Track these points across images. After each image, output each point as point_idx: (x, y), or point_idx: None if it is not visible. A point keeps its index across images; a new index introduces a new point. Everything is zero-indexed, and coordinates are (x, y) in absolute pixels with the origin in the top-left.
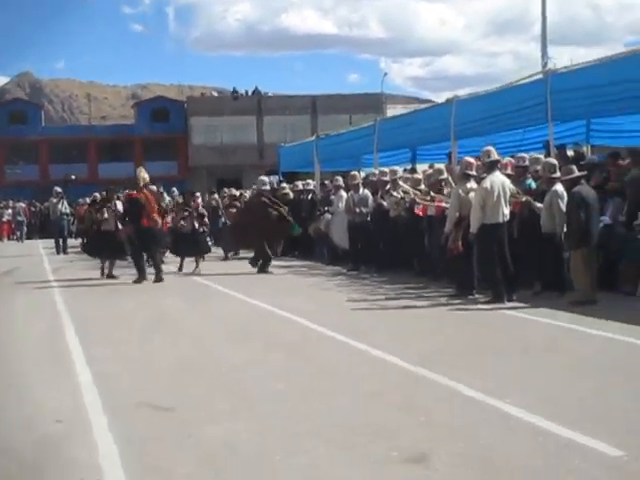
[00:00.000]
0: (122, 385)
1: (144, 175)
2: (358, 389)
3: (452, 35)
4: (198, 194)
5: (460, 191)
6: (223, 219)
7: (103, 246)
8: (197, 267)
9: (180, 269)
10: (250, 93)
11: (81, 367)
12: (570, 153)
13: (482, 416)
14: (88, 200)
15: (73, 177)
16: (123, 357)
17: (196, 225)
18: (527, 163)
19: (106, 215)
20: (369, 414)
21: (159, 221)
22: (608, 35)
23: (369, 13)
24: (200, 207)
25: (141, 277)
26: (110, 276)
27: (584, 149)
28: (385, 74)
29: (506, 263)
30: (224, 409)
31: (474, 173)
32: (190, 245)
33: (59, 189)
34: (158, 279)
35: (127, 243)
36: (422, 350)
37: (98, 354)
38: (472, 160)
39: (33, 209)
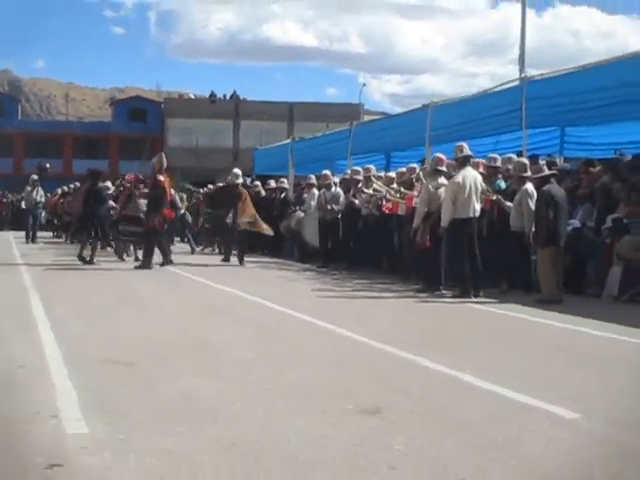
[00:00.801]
0: (85, 344)
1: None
2: (321, 359)
3: (432, 54)
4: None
5: (430, 186)
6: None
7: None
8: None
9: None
10: (228, 97)
11: (45, 330)
12: (542, 162)
13: (441, 383)
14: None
15: (48, 165)
16: (88, 324)
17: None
18: (499, 164)
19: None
20: (330, 378)
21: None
22: (587, 60)
23: (350, 28)
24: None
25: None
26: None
27: (557, 160)
28: (364, 85)
29: (475, 259)
30: (186, 367)
31: (444, 169)
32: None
33: (35, 177)
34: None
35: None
36: (386, 331)
37: (63, 321)
38: (443, 156)
39: (5, 200)
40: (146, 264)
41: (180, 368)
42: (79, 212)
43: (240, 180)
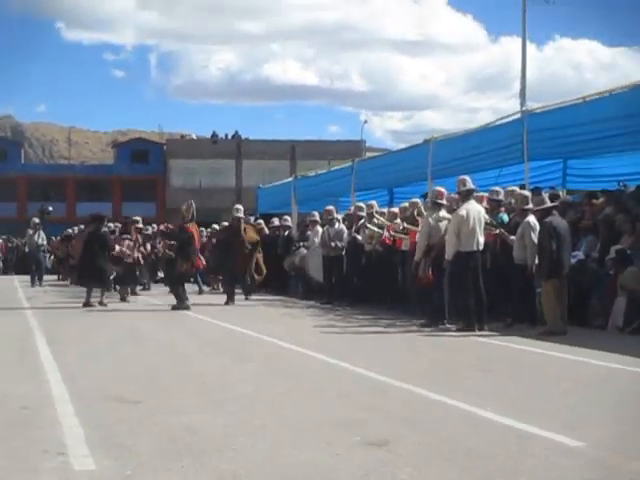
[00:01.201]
0: (90, 383)
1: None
2: (325, 392)
3: (432, 90)
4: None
5: (430, 219)
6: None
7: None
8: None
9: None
10: (230, 137)
11: (51, 370)
12: (545, 195)
13: (446, 415)
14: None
15: (50, 209)
16: (93, 363)
17: (136, 255)
18: (501, 197)
19: (125, 247)
20: (335, 411)
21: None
22: (587, 93)
23: (351, 66)
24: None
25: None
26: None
27: (560, 193)
28: (365, 122)
29: (479, 292)
30: (190, 404)
31: (444, 202)
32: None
33: (37, 220)
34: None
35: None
36: (390, 365)
37: (69, 360)
38: (442, 189)
39: (10, 245)
40: (181, 304)
41: (184, 404)
42: (79, 256)
43: (240, 214)
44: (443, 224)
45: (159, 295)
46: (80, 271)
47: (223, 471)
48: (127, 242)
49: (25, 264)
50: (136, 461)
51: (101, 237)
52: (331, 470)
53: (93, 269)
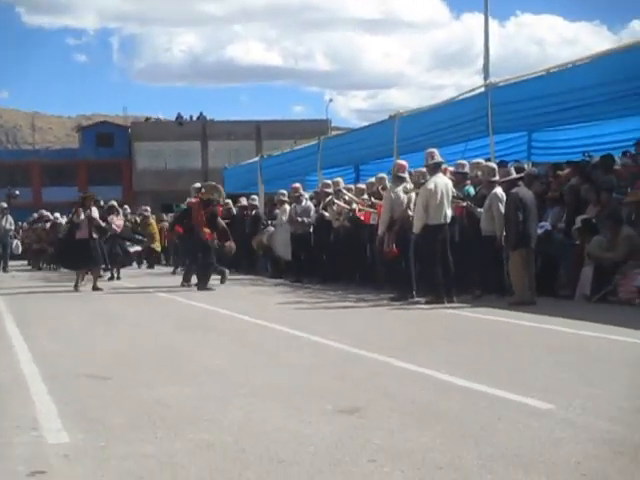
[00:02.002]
0: (61, 361)
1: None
2: (295, 363)
3: (397, 68)
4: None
5: (392, 193)
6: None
7: (78, 256)
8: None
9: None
10: (195, 119)
11: (21, 350)
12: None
13: (416, 382)
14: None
15: (17, 192)
16: (63, 342)
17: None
18: (467, 170)
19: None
20: (306, 381)
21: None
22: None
23: (314, 46)
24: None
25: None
26: (95, 288)
27: (525, 166)
28: (330, 100)
29: (447, 265)
30: (161, 378)
31: (406, 175)
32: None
33: (4, 204)
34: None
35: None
36: (359, 336)
37: (39, 340)
38: (404, 163)
39: None
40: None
41: (155, 378)
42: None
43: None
44: (404, 197)
45: (128, 278)
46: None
47: (198, 441)
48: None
49: None
50: (109, 433)
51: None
52: (304, 436)
53: (80, 250)
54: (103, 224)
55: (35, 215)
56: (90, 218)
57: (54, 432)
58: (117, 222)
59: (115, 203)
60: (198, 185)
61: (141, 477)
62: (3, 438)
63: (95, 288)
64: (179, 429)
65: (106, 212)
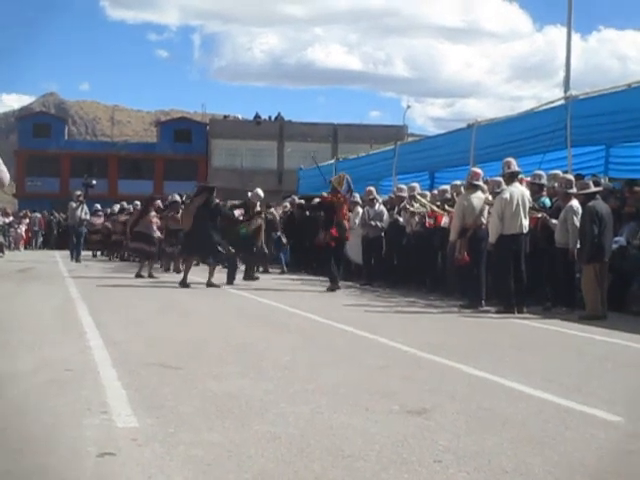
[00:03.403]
0: (132, 349)
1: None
2: (363, 363)
3: (476, 78)
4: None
5: (465, 201)
6: None
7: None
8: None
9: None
10: (273, 119)
11: (93, 336)
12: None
13: (484, 388)
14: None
15: (94, 182)
16: (134, 330)
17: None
18: (544, 181)
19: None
20: (373, 381)
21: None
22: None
23: (394, 51)
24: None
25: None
26: (210, 284)
27: (602, 181)
28: (408, 106)
29: (521, 275)
30: (231, 370)
31: (480, 183)
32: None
33: (79, 192)
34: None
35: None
36: (428, 341)
37: (110, 328)
38: (479, 170)
39: (52, 218)
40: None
41: (225, 371)
42: (190, 227)
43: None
44: (477, 205)
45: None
46: (188, 242)
47: (264, 433)
48: (154, 219)
49: (65, 240)
50: (178, 420)
51: (214, 209)
52: (370, 434)
53: (203, 241)
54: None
55: (116, 207)
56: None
57: (123, 416)
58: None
59: (178, 198)
60: (261, 193)
61: (208, 464)
62: (74, 420)
63: (210, 284)
64: (246, 420)
65: (168, 208)
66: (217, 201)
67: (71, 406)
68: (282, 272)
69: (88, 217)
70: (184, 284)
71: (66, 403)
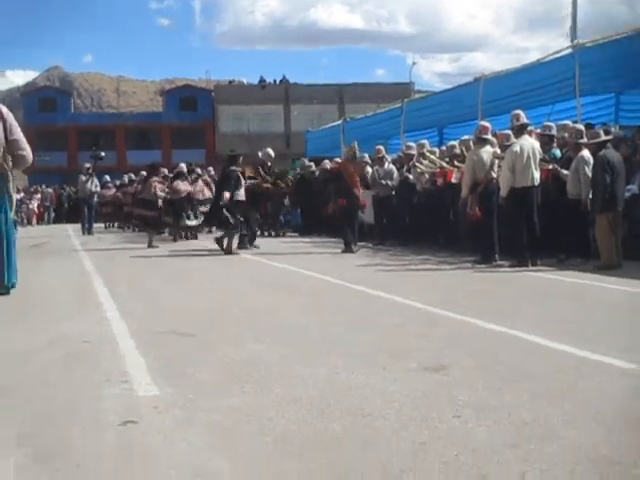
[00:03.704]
0: (148, 319)
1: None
2: (378, 323)
3: (481, 30)
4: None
5: (474, 155)
6: None
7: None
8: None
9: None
10: (278, 82)
11: (110, 308)
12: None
13: (501, 342)
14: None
15: (102, 154)
16: (149, 300)
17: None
18: (554, 132)
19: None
20: (389, 340)
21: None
22: None
23: (397, 8)
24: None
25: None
26: (229, 251)
27: (613, 129)
28: (414, 63)
29: (534, 228)
30: (247, 336)
31: (489, 137)
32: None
33: (88, 165)
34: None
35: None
36: (443, 298)
37: (126, 299)
38: (487, 124)
39: (62, 191)
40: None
41: (240, 336)
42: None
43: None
44: (488, 159)
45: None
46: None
47: (284, 395)
48: (157, 184)
49: (76, 213)
50: (197, 387)
51: (229, 176)
52: (389, 393)
53: (217, 210)
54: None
55: (125, 178)
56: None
57: (144, 385)
58: (182, 187)
59: (184, 168)
60: (272, 152)
61: (228, 428)
62: (95, 390)
63: (229, 252)
64: (265, 384)
65: (173, 178)
66: (232, 168)
67: (91, 377)
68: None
69: (98, 189)
70: (228, 252)
71: (85, 375)
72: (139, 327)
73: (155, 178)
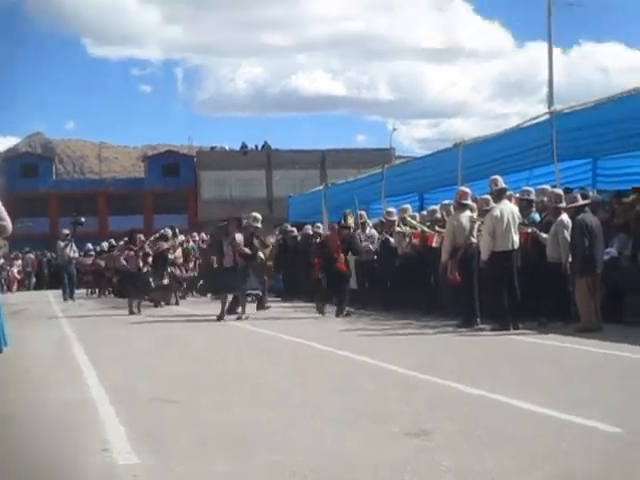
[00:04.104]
0: (129, 385)
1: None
2: (361, 388)
3: (460, 97)
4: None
5: (455, 220)
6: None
7: (223, 282)
8: (138, 309)
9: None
10: (259, 148)
11: (90, 375)
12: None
13: (483, 406)
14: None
15: (83, 219)
16: (131, 366)
17: (140, 264)
18: (532, 196)
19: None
20: (372, 405)
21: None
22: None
23: (378, 75)
24: (145, 246)
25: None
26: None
27: (590, 193)
28: (394, 129)
29: (514, 292)
30: (230, 400)
31: (469, 202)
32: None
33: (67, 231)
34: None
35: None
36: (425, 362)
37: (107, 364)
38: (467, 190)
39: (45, 258)
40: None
41: (224, 401)
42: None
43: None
44: (468, 224)
45: (192, 304)
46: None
47: (268, 461)
48: (129, 252)
49: (58, 279)
50: (179, 454)
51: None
52: (372, 458)
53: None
54: (247, 250)
55: (105, 245)
56: (234, 244)
57: (124, 453)
58: (164, 244)
59: (169, 232)
60: (258, 216)
61: None
62: (75, 459)
63: (240, 317)
64: (249, 450)
65: (157, 240)
66: (256, 226)
67: (71, 445)
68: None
69: (77, 255)
70: (220, 318)
71: (66, 442)
72: (120, 394)
73: (131, 247)
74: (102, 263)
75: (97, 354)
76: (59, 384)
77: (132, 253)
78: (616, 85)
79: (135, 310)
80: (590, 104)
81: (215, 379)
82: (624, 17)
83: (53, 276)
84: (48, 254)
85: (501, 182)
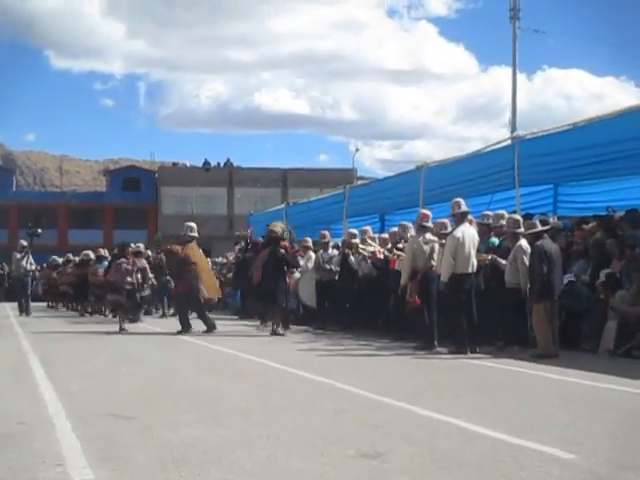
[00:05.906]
0: (85, 400)
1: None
2: (317, 408)
3: (423, 119)
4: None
5: (415, 243)
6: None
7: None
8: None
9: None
10: (222, 165)
11: (46, 388)
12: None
13: (438, 429)
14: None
15: (39, 230)
16: (87, 381)
17: (133, 279)
18: (491, 221)
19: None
20: (327, 426)
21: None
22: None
23: (341, 95)
24: (141, 260)
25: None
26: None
27: (551, 219)
28: (357, 150)
29: (472, 314)
30: (185, 418)
31: (430, 225)
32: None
33: (25, 242)
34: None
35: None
36: (381, 384)
37: (63, 379)
38: (427, 212)
39: (1, 270)
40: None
41: (180, 419)
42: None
43: (195, 234)
44: (428, 247)
45: (156, 321)
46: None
47: None
48: (124, 267)
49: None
50: (134, 471)
51: (284, 259)
52: (326, 479)
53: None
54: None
55: (59, 259)
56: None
57: (79, 469)
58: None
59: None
60: (193, 224)
61: None
62: (29, 474)
63: (276, 333)
64: (203, 469)
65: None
66: (282, 251)
67: (25, 460)
68: (162, 315)
69: (33, 267)
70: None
71: (20, 457)
72: (76, 409)
73: (122, 260)
74: (55, 275)
75: (54, 368)
76: (14, 397)
77: (129, 267)
78: (578, 111)
79: (125, 327)
80: (553, 130)
81: (172, 397)
82: (588, 45)
83: (11, 289)
84: (6, 267)
85: (463, 205)
